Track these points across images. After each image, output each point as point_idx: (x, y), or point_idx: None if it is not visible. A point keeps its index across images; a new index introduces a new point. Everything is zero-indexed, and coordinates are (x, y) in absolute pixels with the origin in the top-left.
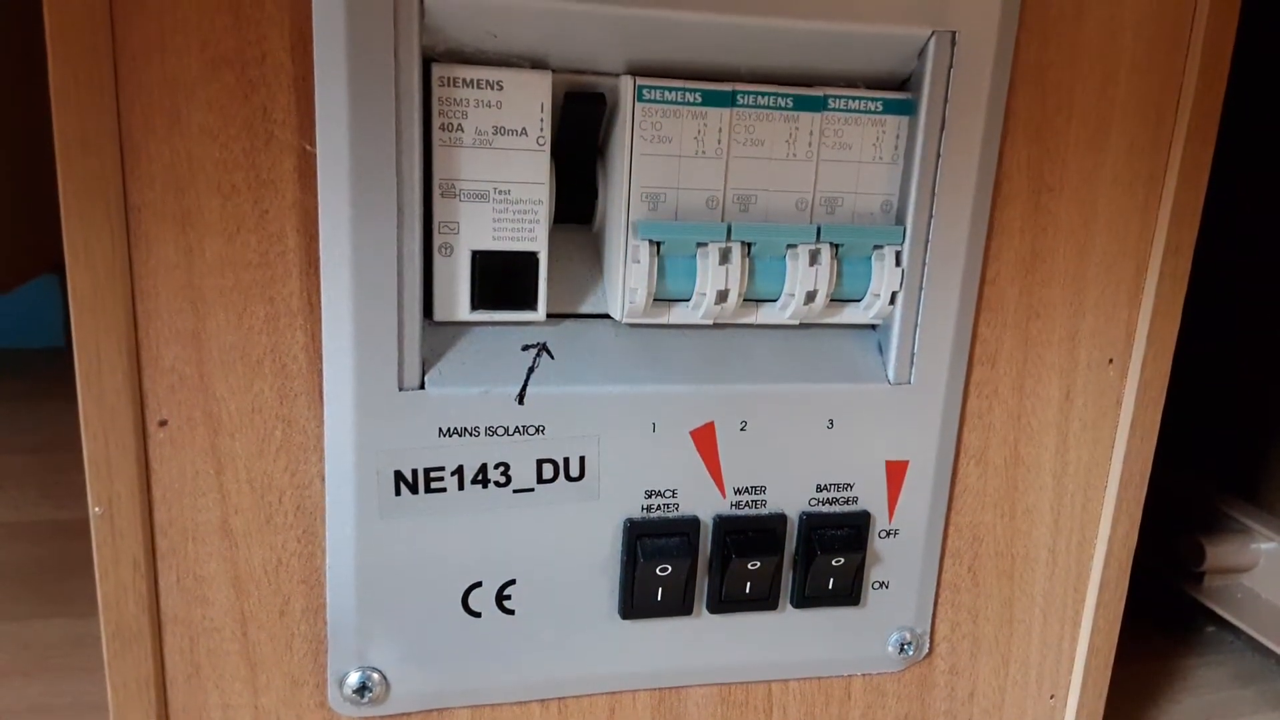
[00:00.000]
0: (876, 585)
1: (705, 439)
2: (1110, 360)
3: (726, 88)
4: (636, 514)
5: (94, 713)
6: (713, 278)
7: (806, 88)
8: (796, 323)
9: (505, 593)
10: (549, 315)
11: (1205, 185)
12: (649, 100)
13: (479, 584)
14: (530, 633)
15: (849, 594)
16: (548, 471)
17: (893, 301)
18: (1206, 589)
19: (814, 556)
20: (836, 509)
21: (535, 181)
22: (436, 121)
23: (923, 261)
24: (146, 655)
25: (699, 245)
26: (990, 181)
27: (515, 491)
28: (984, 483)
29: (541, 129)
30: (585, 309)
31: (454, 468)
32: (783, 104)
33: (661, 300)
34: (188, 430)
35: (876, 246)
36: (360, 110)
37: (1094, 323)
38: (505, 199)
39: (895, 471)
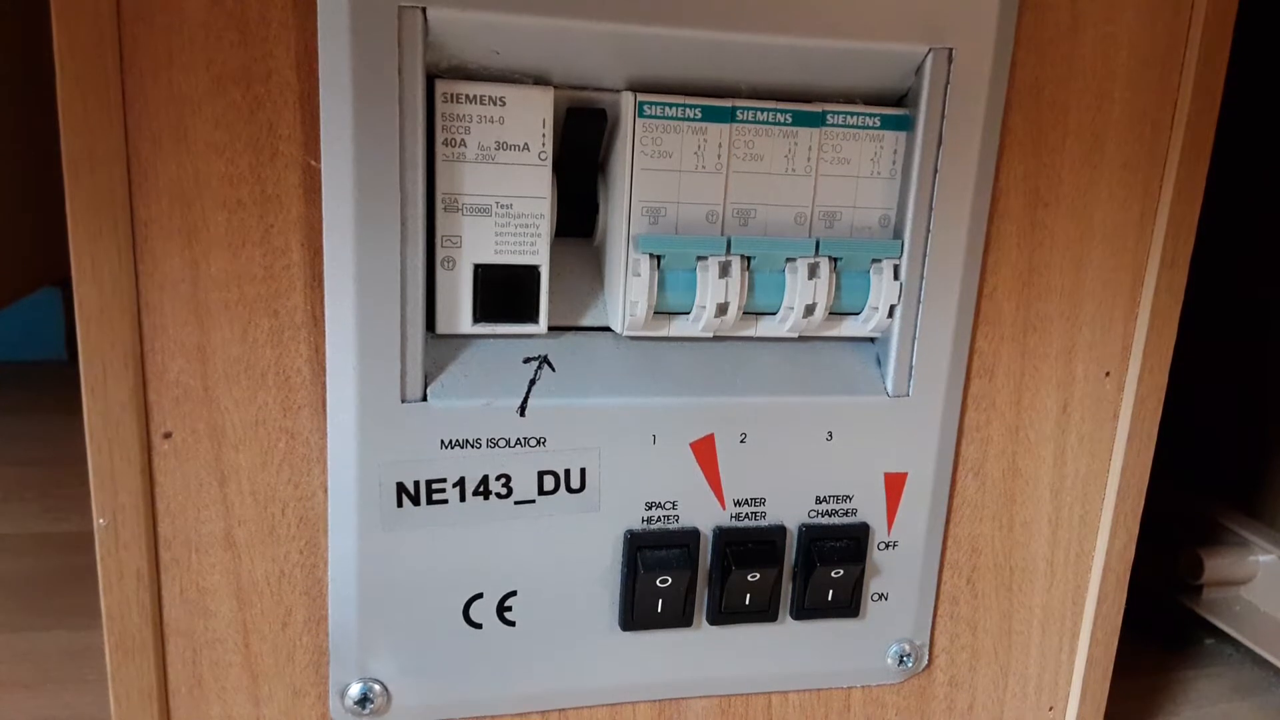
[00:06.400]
0: (876, 597)
1: (705, 451)
2: (1107, 373)
3: (726, 103)
4: (637, 525)
5: None
6: (713, 291)
7: (805, 103)
8: (796, 335)
9: (506, 604)
10: (550, 328)
11: (1200, 199)
12: (650, 116)
13: (480, 595)
14: (531, 644)
15: (848, 606)
16: (549, 483)
17: (891, 314)
18: (1205, 601)
19: (813, 568)
20: (836, 521)
21: (537, 196)
22: (440, 137)
23: (921, 275)
24: (149, 667)
25: (699, 259)
26: (987, 196)
27: (516, 503)
28: (982, 495)
29: (543, 144)
30: (586, 322)
31: (456, 479)
32: (782, 119)
33: (662, 313)
34: (192, 443)
35: (875, 260)
36: (364, 126)
37: (1091, 336)
38: (507, 213)
39: (894, 484)
